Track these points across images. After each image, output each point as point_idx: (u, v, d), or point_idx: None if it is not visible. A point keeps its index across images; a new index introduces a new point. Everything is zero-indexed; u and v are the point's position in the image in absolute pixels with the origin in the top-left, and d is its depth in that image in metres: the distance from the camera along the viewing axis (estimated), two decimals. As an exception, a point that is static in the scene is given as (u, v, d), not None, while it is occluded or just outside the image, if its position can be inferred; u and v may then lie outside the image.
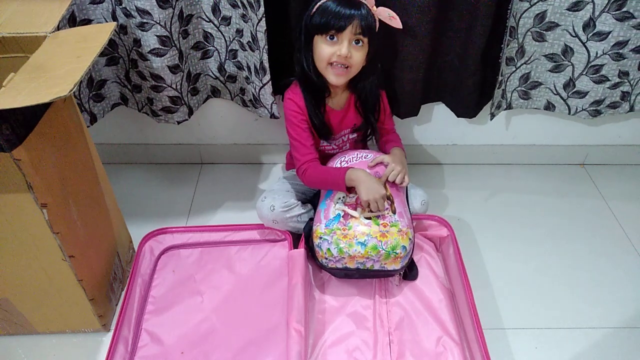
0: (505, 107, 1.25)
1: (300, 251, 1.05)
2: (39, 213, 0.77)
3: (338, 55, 0.97)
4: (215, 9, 1.07)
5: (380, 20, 1.00)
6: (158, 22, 1.01)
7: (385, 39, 1.06)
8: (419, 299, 1.04)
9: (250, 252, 1.13)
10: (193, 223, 1.25)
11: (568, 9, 1.07)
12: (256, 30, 1.02)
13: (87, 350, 0.98)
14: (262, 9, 0.98)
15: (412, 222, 1.06)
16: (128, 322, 0.97)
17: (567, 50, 1.13)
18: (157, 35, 1.03)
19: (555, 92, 1.22)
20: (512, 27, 1.08)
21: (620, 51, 1.10)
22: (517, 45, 1.12)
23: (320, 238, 1.00)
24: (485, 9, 1.03)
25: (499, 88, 1.18)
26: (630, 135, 1.39)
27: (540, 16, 1.08)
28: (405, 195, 1.10)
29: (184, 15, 1.06)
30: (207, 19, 1.10)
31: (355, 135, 1.15)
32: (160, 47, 1.04)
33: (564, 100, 1.22)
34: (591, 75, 1.15)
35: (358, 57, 0.99)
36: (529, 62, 1.17)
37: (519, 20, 1.08)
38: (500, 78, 1.16)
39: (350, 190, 1.03)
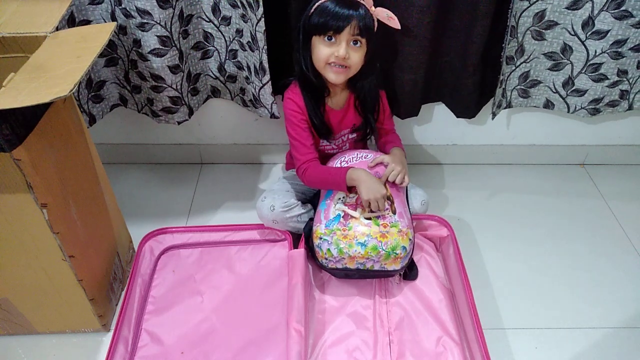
0: (505, 105, 1.25)
1: (300, 251, 1.05)
2: (39, 213, 0.77)
3: (336, 56, 0.97)
4: (215, 9, 1.08)
5: (378, 21, 1.00)
6: (158, 22, 1.01)
7: (384, 39, 1.06)
8: (419, 299, 1.04)
9: (250, 252, 1.13)
10: (193, 223, 1.25)
11: (567, 8, 1.07)
12: (255, 31, 1.02)
13: (87, 350, 0.98)
14: (261, 9, 0.98)
15: (412, 222, 1.06)
16: (128, 322, 0.97)
17: (566, 49, 1.13)
18: (157, 36, 1.03)
19: (554, 90, 1.22)
20: (512, 26, 1.08)
21: (619, 50, 1.10)
22: (516, 44, 1.12)
23: (320, 238, 1.00)
24: (485, 8, 1.03)
25: (500, 87, 1.18)
26: (630, 135, 1.39)
27: (540, 15, 1.08)
28: (405, 195, 1.10)
29: (184, 15, 1.06)
30: (207, 19, 1.10)
31: (354, 135, 1.15)
32: (161, 47, 1.04)
33: (563, 99, 1.22)
34: (590, 74, 1.15)
35: (356, 57, 0.99)
36: (528, 60, 1.17)
37: (518, 19, 1.08)
38: (501, 77, 1.16)
39: (351, 190, 1.03)
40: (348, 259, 0.98)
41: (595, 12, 1.06)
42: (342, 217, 1.01)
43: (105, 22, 1.04)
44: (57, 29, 0.80)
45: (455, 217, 1.27)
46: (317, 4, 0.96)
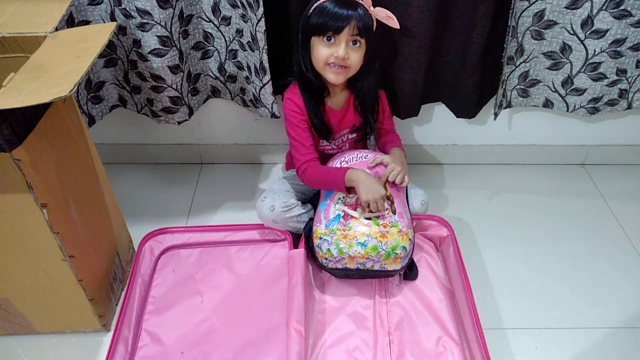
0: (505, 105, 1.25)
1: (300, 251, 1.05)
2: (39, 213, 0.77)
3: (335, 56, 0.96)
4: (215, 9, 1.08)
5: (377, 20, 1.00)
6: (158, 22, 1.01)
7: (383, 38, 1.06)
8: (419, 299, 1.04)
9: (250, 252, 1.13)
10: (193, 223, 1.25)
11: (566, 7, 1.07)
12: (255, 31, 1.02)
13: (87, 350, 0.98)
14: (261, 9, 0.98)
15: (412, 222, 1.06)
16: (128, 322, 0.97)
17: (566, 48, 1.14)
18: (157, 36, 1.03)
19: (553, 89, 1.22)
20: (512, 26, 1.08)
21: (618, 49, 1.10)
22: (516, 44, 1.13)
23: (320, 238, 1.00)
24: (485, 9, 1.04)
25: (500, 87, 1.18)
26: (630, 135, 1.39)
27: (539, 15, 1.09)
28: (405, 195, 1.10)
29: (184, 15, 1.06)
30: (207, 19, 1.10)
31: (354, 135, 1.15)
32: (161, 47, 1.04)
33: (562, 98, 1.23)
34: (589, 73, 1.15)
35: (355, 57, 0.99)
36: (527, 60, 1.17)
37: (518, 19, 1.09)
38: (502, 77, 1.16)
39: (350, 190, 1.03)
40: (348, 259, 0.98)
41: (595, 11, 1.06)
42: (342, 217, 1.01)
43: (105, 22, 1.04)
44: (57, 29, 0.80)
45: (455, 217, 1.27)
46: (315, 4, 0.96)
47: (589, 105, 1.22)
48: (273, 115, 1.19)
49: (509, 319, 1.05)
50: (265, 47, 1.03)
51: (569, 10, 1.08)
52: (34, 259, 0.84)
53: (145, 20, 1.01)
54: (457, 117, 1.27)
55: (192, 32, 1.11)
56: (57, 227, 0.80)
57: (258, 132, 1.37)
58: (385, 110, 1.15)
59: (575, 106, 1.23)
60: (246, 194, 1.33)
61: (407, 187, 1.11)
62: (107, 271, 1.00)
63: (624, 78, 1.17)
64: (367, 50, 1.00)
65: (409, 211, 1.07)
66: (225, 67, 1.17)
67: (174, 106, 1.16)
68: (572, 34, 1.11)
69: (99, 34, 0.78)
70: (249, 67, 1.13)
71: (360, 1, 0.96)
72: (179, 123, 1.20)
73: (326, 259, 1.00)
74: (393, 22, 1.00)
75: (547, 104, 1.25)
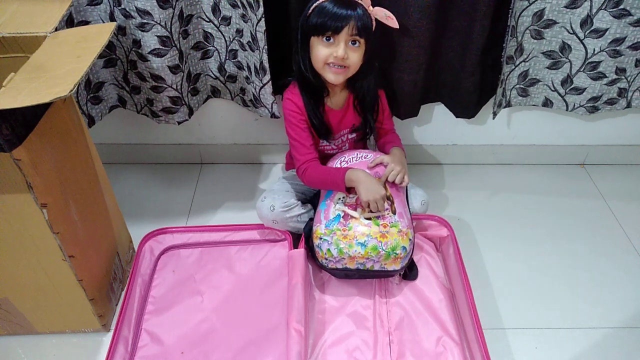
0: (504, 105, 1.25)
1: (300, 251, 1.05)
2: (39, 213, 0.77)
3: (335, 56, 0.97)
4: (215, 9, 1.08)
5: (377, 20, 1.00)
6: (158, 22, 1.01)
7: (383, 38, 1.07)
8: (419, 299, 1.04)
9: (250, 252, 1.13)
10: (193, 223, 1.25)
11: (566, 7, 1.07)
12: (256, 31, 1.02)
13: (87, 350, 0.98)
14: (261, 9, 0.98)
15: (412, 222, 1.06)
16: (128, 322, 0.97)
17: (565, 48, 1.14)
18: (157, 36, 1.03)
19: (553, 88, 1.22)
20: (511, 26, 1.08)
21: (617, 48, 1.10)
22: (516, 43, 1.13)
23: (320, 238, 1.00)
24: (484, 9, 1.04)
25: (500, 87, 1.18)
26: (630, 135, 1.39)
27: (539, 14, 1.09)
28: (405, 195, 1.10)
29: (184, 15, 1.06)
30: (207, 19, 1.10)
31: (354, 135, 1.15)
32: (161, 47, 1.05)
33: (562, 97, 1.23)
34: (588, 72, 1.16)
35: (355, 57, 0.99)
36: (527, 59, 1.17)
37: (518, 18, 1.09)
38: (501, 77, 1.16)
39: (350, 190, 1.03)
40: (348, 259, 0.98)
41: (594, 10, 1.06)
42: (342, 217, 1.01)
43: (104, 22, 1.04)
44: (57, 29, 0.80)
45: (455, 217, 1.27)
46: (315, 4, 0.96)
47: (589, 105, 1.22)
48: (273, 116, 1.19)
49: (509, 319, 1.05)
50: (265, 47, 1.03)
51: (568, 10, 1.08)
52: (34, 259, 0.84)
53: (145, 20, 1.01)
54: (457, 117, 1.27)
55: (192, 32, 1.11)
56: (57, 227, 0.80)
57: (258, 132, 1.37)
58: (385, 110, 1.15)
59: (574, 105, 1.23)
60: (246, 194, 1.34)
61: (407, 187, 1.11)
62: (107, 271, 1.00)
63: (623, 77, 1.17)
64: (367, 50, 1.00)
65: (409, 211, 1.07)
66: (225, 67, 1.17)
67: (174, 106, 1.16)
68: (571, 33, 1.11)
69: (99, 34, 0.78)
70: (249, 67, 1.13)
71: (360, 1, 0.97)
72: (179, 123, 1.20)
73: (326, 259, 1.00)
74: (392, 22, 1.00)
75: (547, 103, 1.26)
